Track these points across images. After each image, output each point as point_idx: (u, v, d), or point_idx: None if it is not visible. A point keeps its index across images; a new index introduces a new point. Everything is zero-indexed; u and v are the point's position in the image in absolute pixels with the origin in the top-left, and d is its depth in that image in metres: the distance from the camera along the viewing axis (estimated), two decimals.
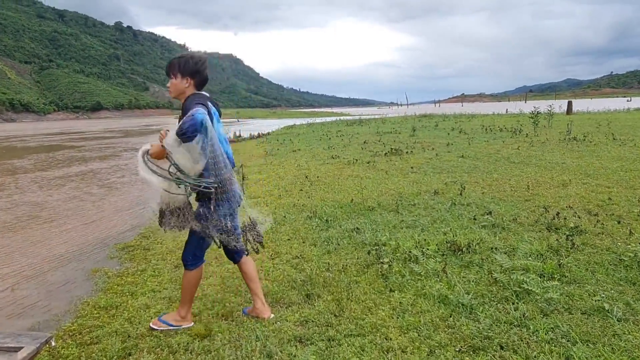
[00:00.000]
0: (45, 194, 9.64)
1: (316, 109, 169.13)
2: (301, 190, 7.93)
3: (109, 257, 5.23)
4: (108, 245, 5.72)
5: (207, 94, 2.92)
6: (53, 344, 3.22)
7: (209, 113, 2.67)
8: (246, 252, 3.15)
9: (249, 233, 3.11)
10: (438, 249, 4.17)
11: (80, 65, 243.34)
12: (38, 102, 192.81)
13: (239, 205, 2.98)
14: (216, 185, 2.70)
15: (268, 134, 28.19)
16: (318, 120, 47.63)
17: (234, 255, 3.17)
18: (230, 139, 23.36)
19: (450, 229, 4.81)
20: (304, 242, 4.95)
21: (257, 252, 3.20)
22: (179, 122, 2.58)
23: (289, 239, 5.12)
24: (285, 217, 6.08)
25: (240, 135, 25.19)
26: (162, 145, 2.60)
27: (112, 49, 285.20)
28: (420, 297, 3.28)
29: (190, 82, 2.84)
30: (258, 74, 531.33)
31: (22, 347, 2.44)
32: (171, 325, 3.20)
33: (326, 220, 5.68)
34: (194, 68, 2.82)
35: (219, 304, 3.57)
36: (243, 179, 8.09)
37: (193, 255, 3.07)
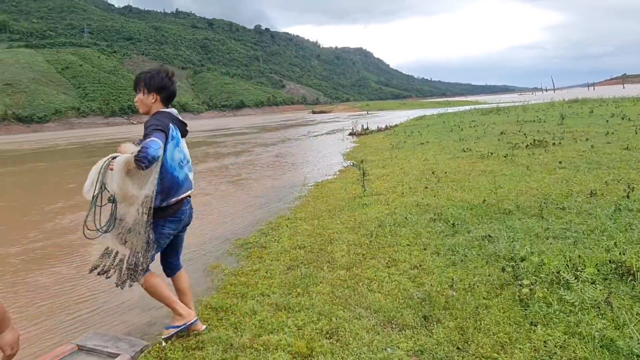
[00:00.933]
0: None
1: (449, 98, 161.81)
2: (426, 187, 7.28)
3: (228, 253, 5.28)
4: (229, 240, 5.81)
5: (174, 111, 2.83)
6: (163, 344, 3.21)
7: (167, 137, 2.57)
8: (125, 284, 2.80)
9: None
10: (598, 270, 3.26)
11: (226, 67, 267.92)
12: (193, 102, 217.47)
13: (183, 230, 2.93)
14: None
15: (396, 126, 27.47)
16: (450, 109, 45.27)
17: (167, 268, 3.12)
18: (358, 132, 23.27)
19: (615, 243, 3.79)
20: (425, 250, 4.38)
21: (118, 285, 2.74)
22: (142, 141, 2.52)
23: (408, 245, 4.60)
24: (406, 218, 5.55)
25: (367, 129, 24.93)
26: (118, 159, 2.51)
27: (252, 50, 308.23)
28: (574, 337, 2.53)
29: (157, 98, 2.75)
30: (388, 65, 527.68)
31: (119, 355, 2.39)
32: (177, 327, 3.05)
33: (452, 224, 5.01)
34: (160, 83, 2.73)
35: (325, 317, 3.24)
36: (364, 175, 7.72)
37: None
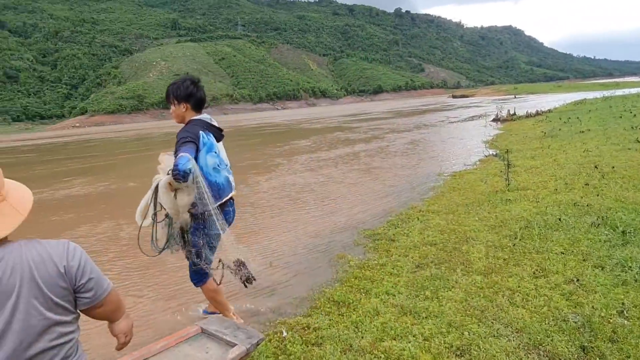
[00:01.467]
0: (310, 175, 10.47)
1: (617, 79, 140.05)
2: (587, 184, 6.22)
3: (355, 244, 5.13)
4: (357, 229, 5.66)
5: (206, 117, 2.86)
6: (285, 334, 3.18)
7: (198, 145, 2.64)
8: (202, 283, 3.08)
9: (239, 271, 2.90)
10: None
11: (365, 53, 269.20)
12: (332, 88, 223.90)
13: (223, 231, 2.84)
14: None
15: (549, 111, 24.58)
16: (619, 92, 39.10)
17: (195, 280, 3.10)
18: (503, 118, 21.36)
19: None
20: (584, 261, 3.67)
21: (245, 286, 2.98)
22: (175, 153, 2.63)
23: (562, 253, 3.90)
24: (560, 219, 4.77)
25: (514, 114, 22.74)
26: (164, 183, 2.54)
27: (391, 34, 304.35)
28: None
29: (187, 106, 2.81)
30: (542, 44, 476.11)
31: (235, 344, 2.37)
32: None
33: (623, 231, 4.14)
34: (186, 92, 2.78)
35: (456, 330, 2.86)
36: (508, 166, 6.89)
37: (194, 272, 3.03)
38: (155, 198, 2.61)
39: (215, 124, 2.93)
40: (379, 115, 42.74)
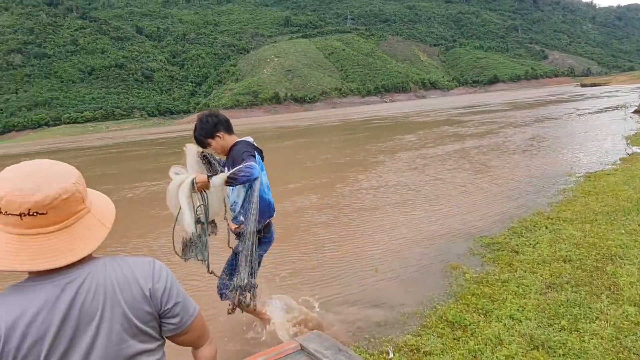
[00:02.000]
0: (414, 175, 9.65)
1: None
2: None
3: (471, 253, 4.61)
4: (472, 236, 5.12)
5: (250, 139, 2.87)
6: (391, 355, 2.89)
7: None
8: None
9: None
10: None
11: (480, 41, 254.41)
12: (443, 79, 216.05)
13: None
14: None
15: None
16: None
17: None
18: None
19: None
20: None
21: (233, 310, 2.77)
22: (227, 162, 2.72)
23: None
24: None
25: None
26: (208, 181, 2.45)
27: (510, 20, 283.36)
28: None
29: (221, 134, 2.79)
30: None
31: None
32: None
33: None
34: (212, 123, 2.77)
35: None
36: None
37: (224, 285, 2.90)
38: (203, 200, 2.54)
39: (256, 145, 2.90)
40: (494, 107, 39.94)
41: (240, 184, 2.48)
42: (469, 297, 3.52)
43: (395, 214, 6.51)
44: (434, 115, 37.20)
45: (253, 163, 2.46)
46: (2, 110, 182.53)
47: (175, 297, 1.18)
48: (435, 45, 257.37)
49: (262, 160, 2.91)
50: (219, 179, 2.46)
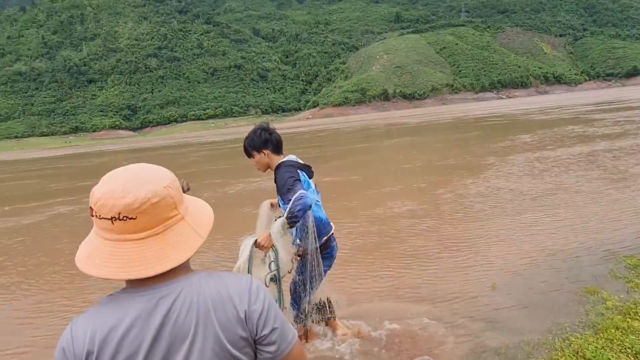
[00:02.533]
0: (529, 181, 8.47)
1: None
2: None
3: (612, 275, 3.89)
4: (614, 255, 4.33)
5: (293, 157, 2.82)
6: None
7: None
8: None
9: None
10: None
11: (616, 29, 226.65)
12: (569, 73, 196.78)
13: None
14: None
15: None
16: None
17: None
18: None
19: None
20: None
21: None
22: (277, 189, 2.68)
23: None
24: None
25: None
26: (269, 235, 2.47)
27: None
28: None
29: (267, 152, 2.77)
30: None
31: None
32: None
33: None
34: (261, 139, 2.75)
35: None
36: None
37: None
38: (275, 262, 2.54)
39: (302, 162, 2.86)
40: (632, 104, 35.08)
41: (301, 218, 2.46)
42: (613, 331, 2.92)
43: (510, 225, 5.75)
44: (556, 113, 33.79)
45: (301, 191, 2.45)
46: (141, 108, 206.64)
47: (273, 322, 1.05)
48: (561, 35, 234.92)
49: (312, 177, 2.89)
50: (277, 226, 2.44)
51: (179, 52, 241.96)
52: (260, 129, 2.81)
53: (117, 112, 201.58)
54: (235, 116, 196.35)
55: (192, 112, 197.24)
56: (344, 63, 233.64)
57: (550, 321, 3.21)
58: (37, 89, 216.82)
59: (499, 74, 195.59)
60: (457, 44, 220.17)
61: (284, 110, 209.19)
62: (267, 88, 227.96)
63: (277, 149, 2.81)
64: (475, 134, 21.82)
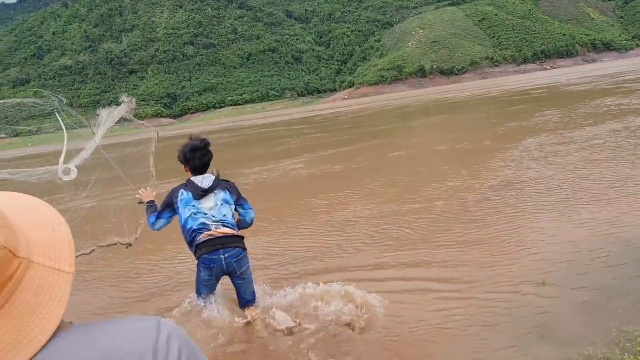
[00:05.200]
0: (553, 164, 7.34)
1: None
2: None
3: None
4: None
5: (199, 180, 3.20)
6: None
7: (172, 202, 3.23)
8: None
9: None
10: None
11: None
12: (619, 39, 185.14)
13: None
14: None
15: None
16: None
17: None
18: None
19: None
20: None
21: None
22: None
23: None
24: None
25: None
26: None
27: None
28: None
29: (186, 168, 3.27)
30: None
31: None
32: None
33: None
34: (184, 157, 3.22)
35: None
36: None
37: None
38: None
39: (203, 185, 3.21)
40: None
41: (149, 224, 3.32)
42: None
43: (555, 214, 5.01)
44: (599, 82, 31.50)
45: (151, 218, 3.27)
46: (179, 95, 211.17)
47: None
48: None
49: (205, 195, 3.21)
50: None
51: (214, 38, 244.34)
52: (191, 146, 3.23)
53: (158, 100, 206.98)
54: (271, 100, 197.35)
55: (229, 98, 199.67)
56: (378, 41, 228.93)
57: (615, 329, 2.66)
58: (82, 81, 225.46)
59: (542, 44, 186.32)
60: (496, 14, 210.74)
61: (319, 92, 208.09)
62: (302, 70, 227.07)
63: (194, 171, 3.26)
64: (517, 108, 20.56)
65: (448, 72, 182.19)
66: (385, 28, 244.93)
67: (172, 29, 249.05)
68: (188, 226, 3.16)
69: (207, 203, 3.23)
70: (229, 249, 3.12)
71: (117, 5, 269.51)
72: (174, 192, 3.24)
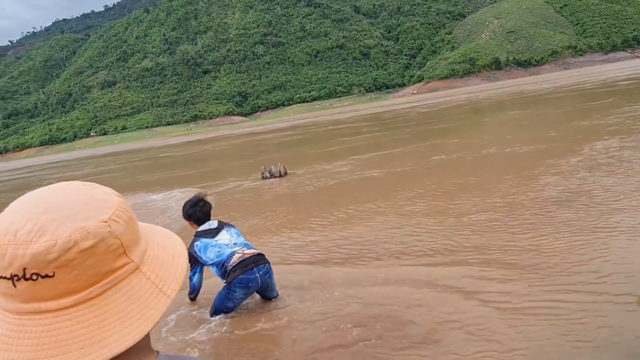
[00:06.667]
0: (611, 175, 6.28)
1: None
2: None
3: None
4: None
5: (206, 227, 3.75)
6: None
7: (196, 257, 3.65)
8: None
9: None
10: None
11: None
12: None
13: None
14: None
15: None
16: None
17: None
18: None
19: None
20: None
21: None
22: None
23: None
24: None
25: None
26: None
27: None
28: None
29: (191, 222, 3.86)
30: None
31: None
32: None
33: None
34: (187, 213, 3.84)
35: None
36: None
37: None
38: None
39: (212, 226, 3.74)
40: None
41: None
42: None
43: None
44: None
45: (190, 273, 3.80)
46: (250, 94, 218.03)
47: None
48: None
49: (220, 230, 3.72)
50: None
51: (283, 37, 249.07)
52: (190, 203, 3.80)
53: (229, 99, 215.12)
54: (339, 96, 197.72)
55: (298, 95, 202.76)
56: (449, 33, 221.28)
57: None
58: (161, 82, 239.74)
59: (633, 30, 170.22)
60: None
61: (387, 87, 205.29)
62: (370, 66, 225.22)
63: (198, 222, 3.78)
64: (600, 104, 18.82)
65: (525, 64, 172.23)
66: (456, 20, 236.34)
67: (243, 29, 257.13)
68: (218, 262, 3.53)
69: (224, 237, 3.68)
70: (261, 267, 3.50)
71: (192, 8, 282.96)
72: (190, 249, 3.63)
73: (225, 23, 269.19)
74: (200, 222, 3.77)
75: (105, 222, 0.58)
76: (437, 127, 19.36)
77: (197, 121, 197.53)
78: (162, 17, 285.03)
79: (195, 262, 3.65)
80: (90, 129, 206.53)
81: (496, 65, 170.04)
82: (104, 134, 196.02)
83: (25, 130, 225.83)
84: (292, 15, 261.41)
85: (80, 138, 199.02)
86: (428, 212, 5.79)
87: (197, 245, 3.62)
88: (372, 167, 10.24)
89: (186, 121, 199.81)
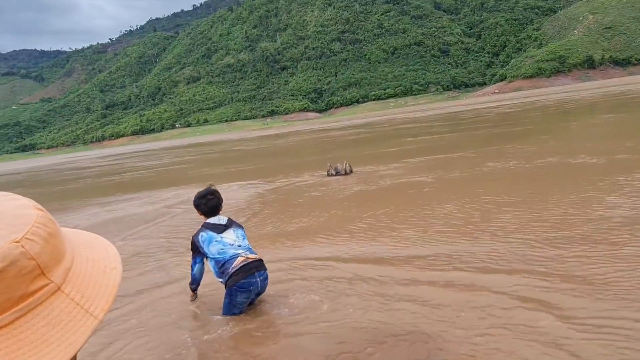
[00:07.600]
0: None
1: None
2: None
3: None
4: None
5: (215, 220, 3.74)
6: None
7: (198, 247, 3.65)
8: None
9: None
10: None
11: None
12: None
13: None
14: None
15: None
16: None
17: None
18: None
19: None
20: None
21: None
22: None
23: None
24: None
25: None
26: None
27: None
28: None
29: (199, 212, 3.83)
30: None
31: None
32: None
33: None
34: (196, 204, 3.83)
35: None
36: None
37: None
38: None
39: (221, 222, 3.74)
40: None
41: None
42: None
43: None
44: None
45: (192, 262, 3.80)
46: (325, 90, 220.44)
47: None
48: None
49: (226, 229, 3.72)
50: None
51: (360, 34, 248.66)
52: (199, 196, 3.80)
53: (305, 95, 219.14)
54: (415, 94, 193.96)
55: (373, 93, 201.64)
56: (537, 29, 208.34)
57: None
58: (241, 78, 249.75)
59: None
60: None
61: (466, 86, 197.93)
62: (449, 63, 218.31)
63: (206, 214, 3.78)
64: None
65: (624, 63, 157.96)
66: (546, 15, 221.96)
67: (321, 26, 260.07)
68: (219, 260, 3.55)
69: (230, 235, 3.72)
70: (261, 272, 3.59)
71: (273, 6, 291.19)
72: (194, 238, 3.70)
73: (304, 20, 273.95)
74: (206, 214, 3.79)
75: (18, 242, 0.52)
76: (517, 130, 18.39)
77: (274, 116, 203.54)
78: (244, 15, 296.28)
79: (197, 252, 3.66)
80: (176, 121, 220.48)
81: (589, 64, 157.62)
82: (188, 126, 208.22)
83: (120, 120, 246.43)
84: (370, 12, 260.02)
85: (167, 129, 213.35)
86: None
87: (202, 236, 3.63)
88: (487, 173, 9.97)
89: (263, 116, 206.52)
